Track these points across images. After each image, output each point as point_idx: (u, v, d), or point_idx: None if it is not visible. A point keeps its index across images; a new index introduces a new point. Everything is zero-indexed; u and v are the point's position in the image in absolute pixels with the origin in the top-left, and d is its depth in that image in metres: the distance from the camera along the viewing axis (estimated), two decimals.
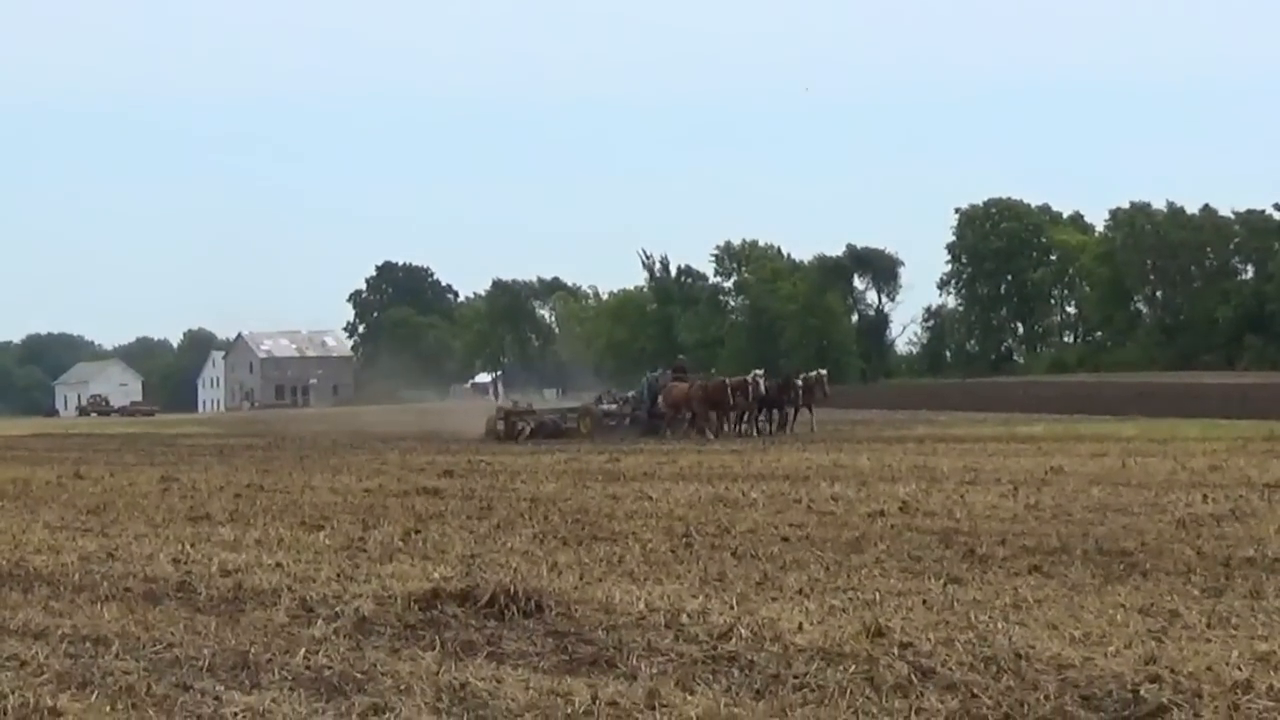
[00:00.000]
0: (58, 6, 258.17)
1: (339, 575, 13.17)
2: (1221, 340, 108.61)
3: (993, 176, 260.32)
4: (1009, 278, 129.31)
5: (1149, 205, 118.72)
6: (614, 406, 51.98)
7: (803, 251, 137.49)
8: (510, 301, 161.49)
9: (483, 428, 50.71)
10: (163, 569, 13.95)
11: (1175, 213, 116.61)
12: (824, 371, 51.00)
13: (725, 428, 46.62)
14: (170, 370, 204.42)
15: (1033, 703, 8.10)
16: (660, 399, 49.06)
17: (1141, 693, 8.18)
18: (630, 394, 53.17)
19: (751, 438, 44.67)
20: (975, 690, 8.32)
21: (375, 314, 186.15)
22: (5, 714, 8.45)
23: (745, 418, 47.27)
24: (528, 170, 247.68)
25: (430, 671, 9.07)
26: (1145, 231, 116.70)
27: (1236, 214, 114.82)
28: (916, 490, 21.29)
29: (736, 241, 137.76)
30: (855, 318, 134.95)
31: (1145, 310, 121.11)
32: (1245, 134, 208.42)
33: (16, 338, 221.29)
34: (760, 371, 48.73)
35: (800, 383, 47.55)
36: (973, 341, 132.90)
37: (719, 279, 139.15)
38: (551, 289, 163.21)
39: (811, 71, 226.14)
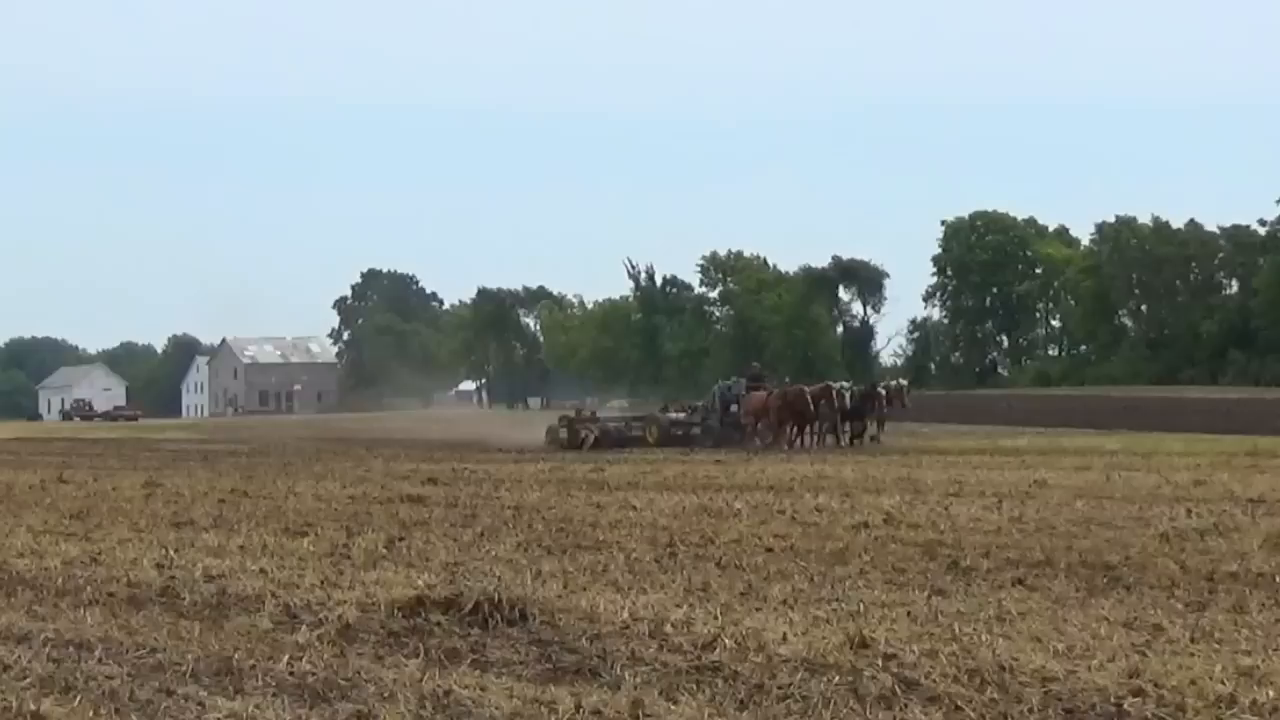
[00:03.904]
0: (41, 11, 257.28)
1: (323, 582, 13.15)
2: (1205, 355, 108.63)
3: (978, 189, 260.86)
4: (994, 290, 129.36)
5: (1134, 219, 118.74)
6: (682, 415, 50.99)
7: (788, 263, 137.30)
8: (495, 310, 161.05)
9: (459, 437, 50.60)
10: (146, 574, 13.92)
11: (1160, 227, 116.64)
12: (904, 381, 50.37)
13: (805, 440, 45.77)
14: (154, 375, 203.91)
15: (1016, 715, 8.11)
16: (736, 408, 48.36)
17: (1125, 706, 8.19)
18: (699, 403, 52.24)
19: (840, 448, 43.93)
20: (959, 702, 8.32)
21: (360, 321, 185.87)
22: None
23: (825, 428, 46.43)
24: (513, 178, 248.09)
25: (414, 679, 9.06)
26: (1130, 245, 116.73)
27: (1222, 229, 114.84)
28: (901, 502, 21.30)
29: (722, 252, 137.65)
30: (840, 329, 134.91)
31: (1130, 324, 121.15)
32: (1231, 149, 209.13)
33: None
34: (847, 382, 48.24)
35: (883, 392, 47.20)
36: (957, 354, 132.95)
37: (704, 289, 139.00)
38: (537, 297, 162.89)
39: (797, 83, 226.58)
